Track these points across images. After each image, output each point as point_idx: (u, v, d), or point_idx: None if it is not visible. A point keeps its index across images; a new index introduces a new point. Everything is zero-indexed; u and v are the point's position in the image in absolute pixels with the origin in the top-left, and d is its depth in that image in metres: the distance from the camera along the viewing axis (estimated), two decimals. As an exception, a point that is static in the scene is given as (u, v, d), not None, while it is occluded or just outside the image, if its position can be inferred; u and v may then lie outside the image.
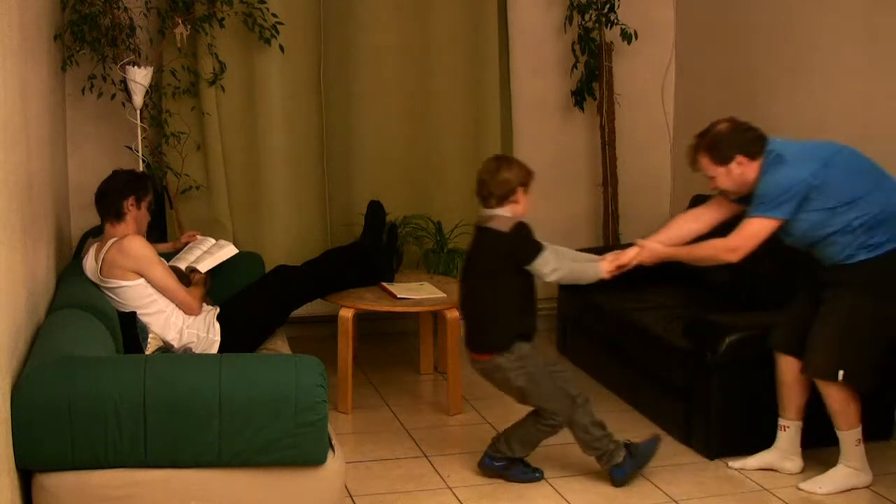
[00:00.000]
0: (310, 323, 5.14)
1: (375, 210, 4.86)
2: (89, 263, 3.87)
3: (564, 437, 4.26)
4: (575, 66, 5.53)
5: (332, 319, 4.53)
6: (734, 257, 3.62)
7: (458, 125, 5.43)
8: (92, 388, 2.72)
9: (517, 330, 3.65)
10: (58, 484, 2.73)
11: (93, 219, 4.09)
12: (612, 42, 5.46)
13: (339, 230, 5.34)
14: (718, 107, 5.42)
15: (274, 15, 4.89)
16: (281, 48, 4.96)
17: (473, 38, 5.42)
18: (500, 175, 3.58)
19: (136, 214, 3.96)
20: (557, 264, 3.59)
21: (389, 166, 5.38)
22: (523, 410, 4.54)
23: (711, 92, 5.48)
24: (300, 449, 2.83)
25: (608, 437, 3.73)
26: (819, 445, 4.04)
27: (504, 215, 3.60)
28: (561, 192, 5.75)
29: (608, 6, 5.37)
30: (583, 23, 5.43)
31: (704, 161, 3.67)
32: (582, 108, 5.58)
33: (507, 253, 3.58)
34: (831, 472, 3.72)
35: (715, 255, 3.68)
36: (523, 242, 3.57)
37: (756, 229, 3.59)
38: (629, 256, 3.75)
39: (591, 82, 5.51)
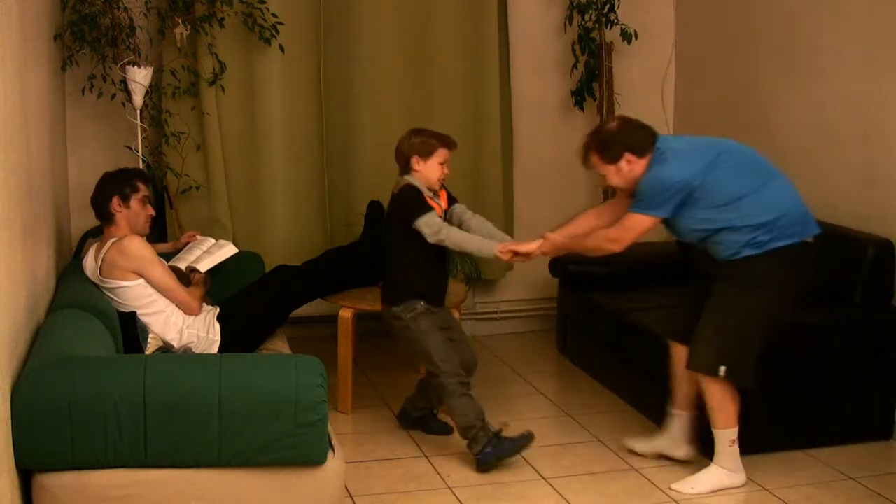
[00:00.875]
0: (310, 323, 5.14)
1: (375, 210, 4.85)
2: (89, 263, 3.87)
3: (564, 436, 4.27)
4: (575, 66, 5.53)
5: (332, 319, 4.54)
6: (616, 247, 3.70)
7: (458, 125, 5.41)
8: (92, 388, 2.72)
9: (414, 288, 3.93)
10: (58, 484, 2.74)
11: (93, 219, 4.09)
12: (612, 42, 5.47)
13: (339, 230, 5.34)
14: (718, 107, 5.43)
15: (274, 15, 4.89)
16: (281, 48, 4.96)
17: (473, 38, 5.42)
18: (400, 146, 3.95)
19: (126, 214, 3.92)
20: (440, 229, 3.81)
21: (389, 166, 5.32)
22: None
23: (711, 92, 5.48)
24: (300, 449, 2.83)
25: (486, 427, 3.86)
26: (816, 446, 4.06)
27: (407, 181, 3.91)
28: (561, 192, 5.75)
29: (608, 6, 5.37)
30: (583, 23, 5.44)
31: (595, 159, 3.73)
32: (582, 108, 5.58)
33: (395, 213, 3.92)
34: (704, 472, 3.73)
35: (599, 245, 3.76)
36: (406, 203, 3.87)
37: (635, 223, 3.65)
38: (532, 247, 3.86)
39: (591, 82, 5.51)
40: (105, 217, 3.95)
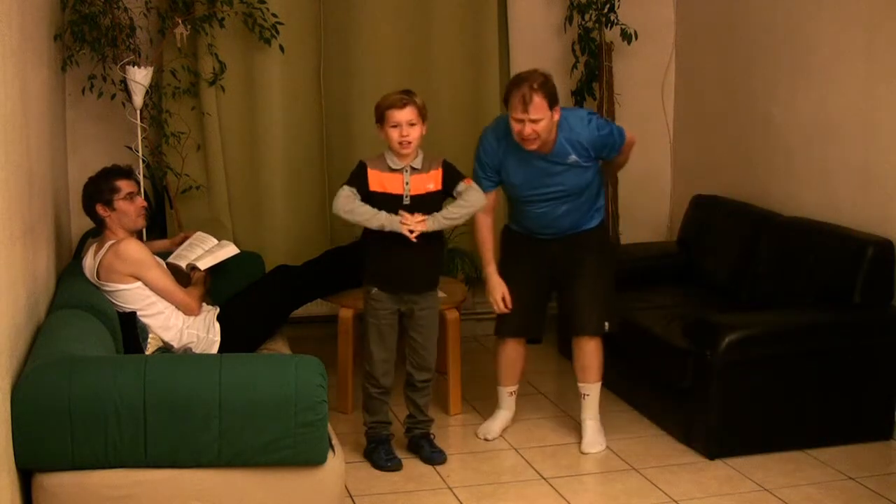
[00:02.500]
0: (310, 323, 5.14)
1: (375, 210, 4.85)
2: (88, 265, 3.86)
3: (564, 436, 4.27)
4: (575, 66, 5.53)
5: (332, 319, 4.53)
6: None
7: (458, 125, 5.42)
8: (92, 388, 2.72)
9: (369, 270, 3.87)
10: (58, 484, 2.74)
11: (92, 219, 4.09)
12: (612, 42, 5.46)
13: (340, 230, 5.33)
14: (718, 107, 5.43)
15: (274, 15, 4.89)
16: (281, 48, 4.96)
17: (473, 38, 5.41)
18: None
19: (115, 216, 3.88)
20: (338, 202, 3.75)
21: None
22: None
23: (711, 92, 5.48)
24: (300, 449, 2.83)
25: (375, 427, 3.97)
26: (816, 446, 4.06)
27: (371, 156, 3.88)
28: (561, 191, 5.75)
29: (608, 6, 5.37)
30: (583, 23, 5.43)
31: (539, 101, 3.76)
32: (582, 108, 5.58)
33: None
34: (592, 431, 4.13)
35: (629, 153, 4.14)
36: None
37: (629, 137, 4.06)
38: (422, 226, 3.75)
39: (591, 82, 5.51)
40: (97, 224, 3.94)
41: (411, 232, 3.70)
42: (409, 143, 3.74)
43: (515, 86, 3.80)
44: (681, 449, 4.09)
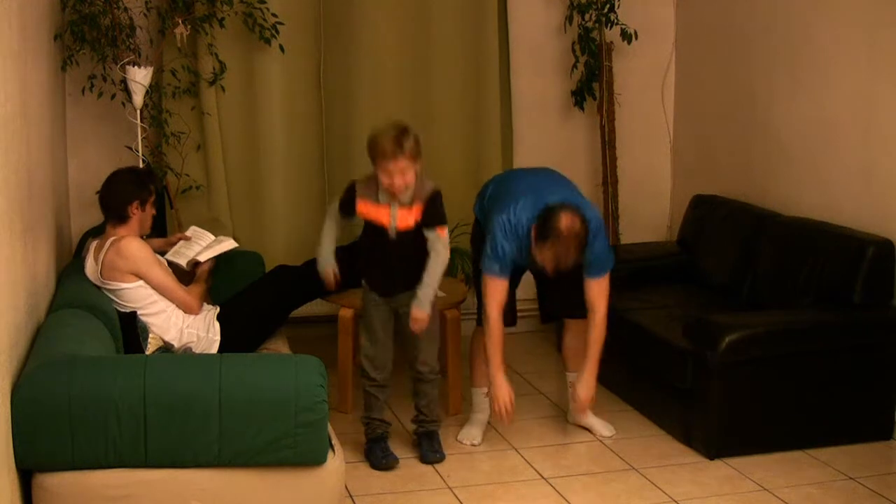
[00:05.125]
0: (310, 323, 5.14)
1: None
2: (89, 265, 3.87)
3: (564, 436, 4.27)
4: (575, 66, 5.53)
5: (332, 319, 4.53)
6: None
7: (457, 125, 5.43)
8: (92, 388, 2.72)
9: (364, 271, 3.94)
10: (58, 484, 2.74)
11: (93, 218, 4.09)
12: (612, 42, 5.46)
13: (340, 230, 5.33)
14: (718, 107, 5.43)
15: (274, 15, 4.89)
16: (281, 48, 4.95)
17: (473, 37, 5.41)
18: None
19: (140, 216, 3.94)
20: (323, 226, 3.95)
21: (389, 166, 5.36)
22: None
23: (711, 92, 5.48)
24: (300, 449, 2.83)
25: (370, 424, 3.99)
26: (816, 446, 4.06)
27: (366, 174, 3.83)
28: (561, 192, 5.74)
29: (608, 6, 5.36)
30: (583, 23, 5.43)
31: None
32: (582, 108, 5.58)
33: None
34: (595, 417, 4.26)
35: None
36: None
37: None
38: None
39: (591, 82, 5.51)
40: (118, 218, 3.93)
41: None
42: (401, 190, 3.70)
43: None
44: (681, 449, 4.10)
